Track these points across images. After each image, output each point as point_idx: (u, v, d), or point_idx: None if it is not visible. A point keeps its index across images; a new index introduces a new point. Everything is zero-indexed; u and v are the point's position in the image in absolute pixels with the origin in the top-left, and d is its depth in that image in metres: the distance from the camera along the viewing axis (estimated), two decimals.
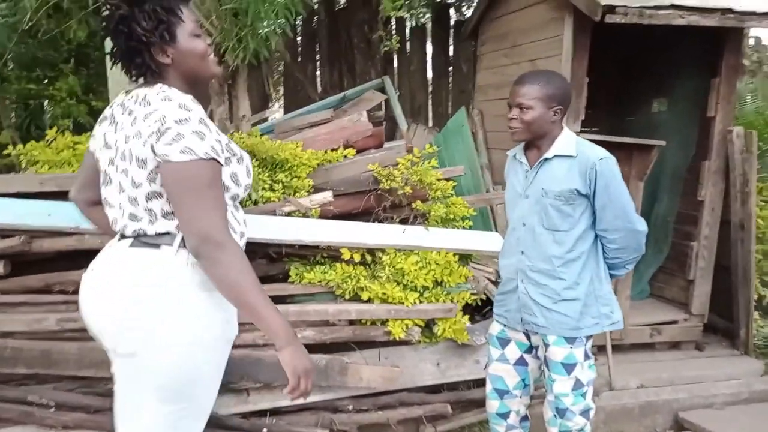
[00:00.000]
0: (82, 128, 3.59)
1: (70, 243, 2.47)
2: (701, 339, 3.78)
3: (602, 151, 2.01)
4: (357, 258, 2.71)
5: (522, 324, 2.12)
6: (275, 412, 2.61)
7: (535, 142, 2.06)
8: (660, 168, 3.86)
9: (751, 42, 5.87)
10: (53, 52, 3.88)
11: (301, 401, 1.55)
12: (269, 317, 1.39)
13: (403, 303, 2.64)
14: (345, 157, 3.10)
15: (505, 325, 2.19)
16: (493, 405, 2.23)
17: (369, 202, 3.08)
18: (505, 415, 2.22)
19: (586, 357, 2.08)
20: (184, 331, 1.45)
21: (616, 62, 4.37)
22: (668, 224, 4.03)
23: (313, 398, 2.63)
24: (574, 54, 3.31)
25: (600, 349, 3.31)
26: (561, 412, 2.08)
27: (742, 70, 4.68)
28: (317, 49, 5.81)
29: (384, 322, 2.67)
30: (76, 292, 2.45)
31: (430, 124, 5.51)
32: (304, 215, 2.79)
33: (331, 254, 2.79)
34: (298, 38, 5.88)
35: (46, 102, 4.23)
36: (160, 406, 1.49)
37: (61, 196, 2.56)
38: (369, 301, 2.65)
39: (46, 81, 3.97)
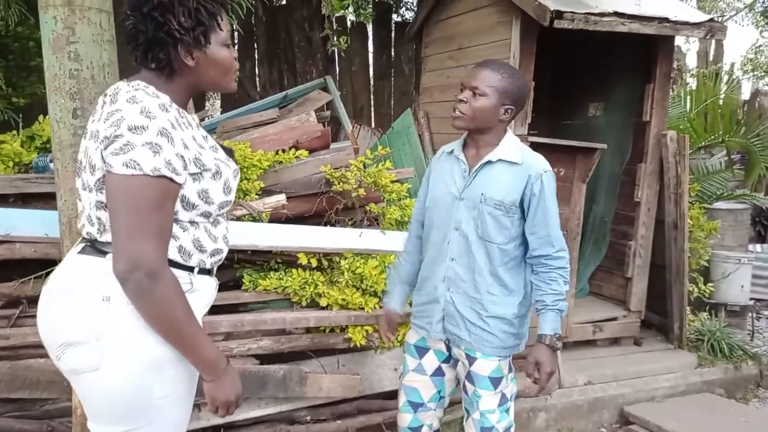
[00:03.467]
0: (4, 126, 3.27)
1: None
2: (639, 334, 3.94)
3: (546, 163, 1.90)
4: (314, 263, 2.62)
5: (444, 333, 1.97)
6: (229, 426, 2.48)
7: (475, 137, 1.90)
8: (597, 171, 3.99)
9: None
10: None
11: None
12: (197, 351, 1.34)
13: (363, 309, 2.57)
14: (297, 158, 3.00)
15: (424, 337, 2.04)
16: (405, 419, 2.06)
17: (321, 205, 3.00)
18: (416, 429, 2.06)
19: (510, 370, 1.99)
20: (126, 349, 1.31)
21: (552, 67, 4.49)
22: (606, 224, 4.18)
23: (268, 410, 2.53)
24: (521, 58, 3.36)
25: None
26: (486, 431, 1.94)
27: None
28: (255, 47, 5.62)
29: (344, 329, 2.60)
30: (6, 306, 2.24)
31: (373, 125, 5.47)
32: (255, 219, 2.67)
33: (285, 260, 2.69)
34: (235, 34, 5.68)
35: None
36: (108, 429, 1.37)
37: None
38: (328, 307, 2.57)
39: None
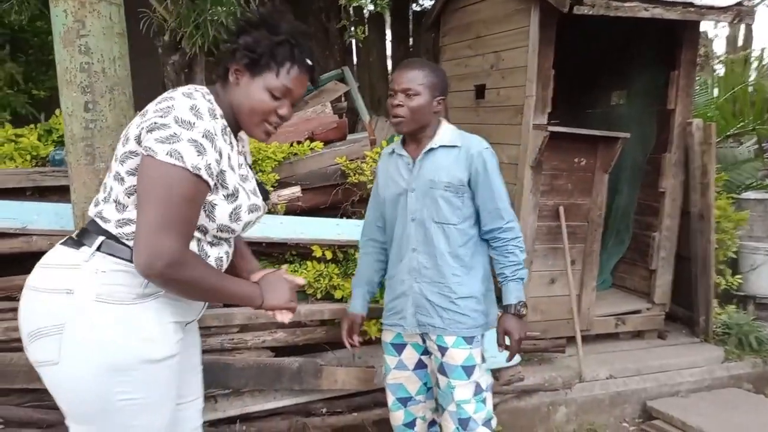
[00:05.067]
0: (24, 120, 3.32)
1: (16, 245, 2.27)
2: (663, 328, 3.85)
3: (484, 142, 1.98)
4: (328, 255, 2.61)
5: (418, 326, 2.00)
6: (245, 418, 2.48)
7: (416, 134, 1.97)
8: (621, 160, 3.89)
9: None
10: None
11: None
12: (235, 299, 1.45)
13: (378, 301, 2.54)
14: (312, 150, 2.98)
15: (399, 333, 2.06)
16: (398, 417, 2.09)
17: (336, 197, 2.99)
18: (411, 424, 2.09)
19: (483, 360, 2.01)
20: (85, 346, 1.29)
21: (574, 55, 4.39)
22: (629, 215, 4.08)
23: (284, 402, 2.53)
24: (541, 45, 3.29)
25: (569, 341, 3.32)
26: (464, 423, 1.95)
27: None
28: None
29: None
30: None
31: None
32: (271, 211, 2.66)
33: (300, 252, 2.67)
34: None
35: None
36: (78, 427, 1.37)
37: (4, 194, 2.35)
38: (342, 300, 2.55)
39: None
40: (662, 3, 3.17)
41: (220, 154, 1.33)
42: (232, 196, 1.38)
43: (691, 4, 3.24)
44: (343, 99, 4.61)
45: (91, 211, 1.40)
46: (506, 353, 2.02)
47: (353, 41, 5.38)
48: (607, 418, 3.17)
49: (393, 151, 2.07)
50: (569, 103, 4.55)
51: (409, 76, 1.90)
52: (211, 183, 1.31)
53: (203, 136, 1.28)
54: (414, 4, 5.98)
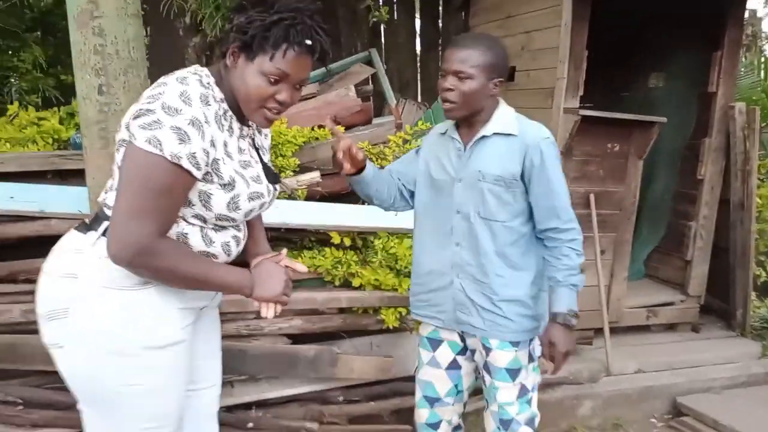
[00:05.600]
0: (50, 103, 3.34)
1: (35, 228, 2.27)
2: (697, 321, 3.71)
3: (546, 130, 1.78)
4: (347, 242, 2.56)
5: (458, 324, 1.86)
6: (261, 404, 2.47)
7: (468, 119, 1.77)
8: (657, 145, 3.73)
9: (745, 15, 5.74)
10: (16, 21, 3.60)
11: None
12: (221, 286, 1.39)
13: (396, 290, 2.49)
14: (333, 134, 2.92)
15: (437, 326, 1.92)
16: (423, 414, 1.96)
17: None
18: (435, 425, 1.95)
19: (530, 359, 1.86)
20: (85, 331, 1.30)
21: (609, 34, 4.20)
22: (665, 203, 3.93)
23: (301, 389, 2.51)
24: (573, 25, 3.14)
25: (597, 333, 3.22)
26: (505, 424, 1.84)
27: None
28: None
29: (376, 310, 2.52)
30: None
31: (419, 99, 5.31)
32: (290, 196, 2.62)
33: (319, 238, 2.63)
34: None
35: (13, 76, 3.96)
36: (87, 409, 1.39)
37: (25, 177, 2.37)
38: (360, 287, 2.50)
39: (10, 52, 3.70)
40: None
41: (213, 143, 1.28)
42: (229, 186, 1.33)
43: None
44: (370, 82, 4.53)
45: (101, 198, 1.39)
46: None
47: (381, 23, 5.26)
48: (634, 413, 3.07)
49: (446, 132, 1.86)
50: (602, 85, 4.37)
51: (461, 55, 1.69)
52: (197, 173, 1.26)
53: (189, 123, 1.22)
54: None
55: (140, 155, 1.20)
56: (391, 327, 2.50)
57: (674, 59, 3.90)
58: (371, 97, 4.13)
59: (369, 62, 4.77)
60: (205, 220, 1.36)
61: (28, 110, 2.68)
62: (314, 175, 2.67)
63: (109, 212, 1.32)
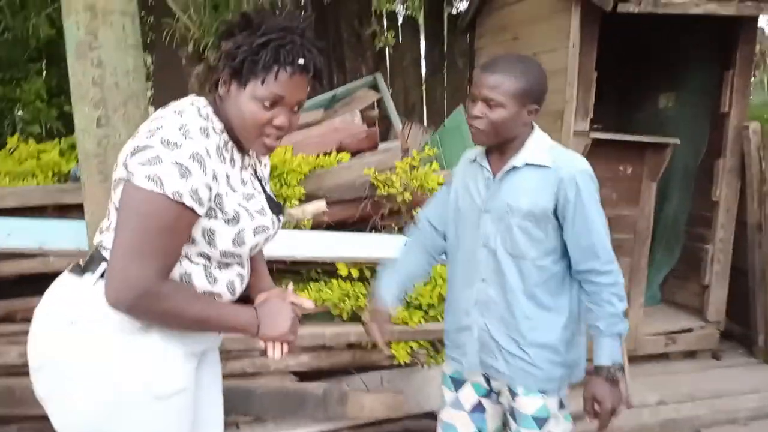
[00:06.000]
0: (53, 134, 3.30)
1: (33, 265, 2.21)
2: (717, 347, 3.59)
3: (583, 162, 1.62)
4: (355, 274, 2.47)
5: (482, 367, 1.71)
6: None
7: (499, 146, 1.64)
8: (669, 166, 3.65)
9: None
10: (20, 52, 3.58)
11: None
12: (228, 327, 1.31)
13: (407, 323, 2.40)
14: (339, 162, 2.86)
15: (458, 370, 1.78)
16: None
17: (365, 210, 2.85)
18: None
19: (561, 406, 1.70)
20: (85, 385, 1.21)
21: (617, 54, 4.15)
22: (679, 225, 3.83)
23: (309, 429, 2.40)
24: (582, 47, 3.09)
25: None
26: None
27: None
28: None
29: (386, 344, 2.43)
30: None
31: (425, 123, 5.27)
32: (296, 226, 2.55)
33: (326, 269, 2.55)
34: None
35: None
36: None
37: (23, 212, 2.31)
38: None
39: (14, 83, 3.67)
40: None
41: (215, 177, 1.21)
42: (233, 220, 1.26)
43: None
44: (375, 106, 4.49)
45: (96, 239, 1.31)
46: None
47: (386, 47, 5.24)
48: None
49: (474, 159, 1.72)
50: (611, 107, 4.32)
51: (491, 81, 1.54)
52: (199, 209, 1.18)
53: (190, 158, 1.15)
54: (448, 7, 5.82)
55: (140, 194, 1.13)
56: (402, 363, 2.40)
57: (684, 78, 3.84)
58: (376, 122, 4.08)
59: (374, 86, 4.74)
60: (209, 258, 1.28)
61: (28, 142, 2.63)
62: (320, 205, 2.60)
63: (106, 253, 1.24)
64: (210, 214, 1.22)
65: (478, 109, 1.57)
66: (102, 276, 1.22)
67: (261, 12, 1.26)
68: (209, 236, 1.24)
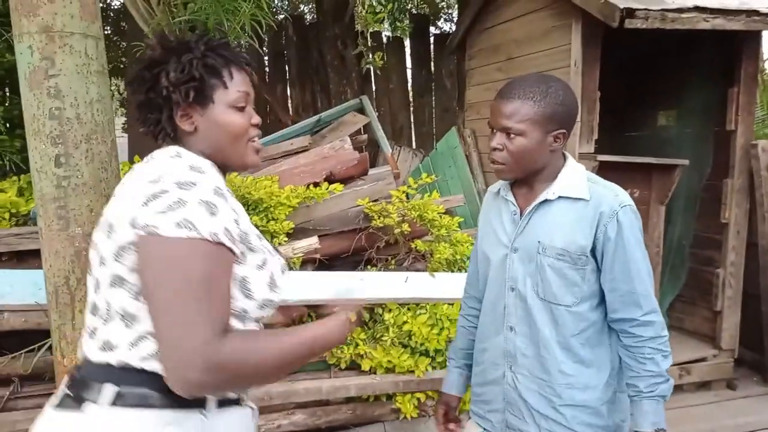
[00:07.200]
0: (17, 169, 3.02)
1: None
2: (732, 376, 3.40)
3: (625, 195, 1.43)
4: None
5: (507, 429, 1.51)
6: None
7: (527, 179, 1.47)
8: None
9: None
10: None
11: None
12: (315, 351, 1.10)
13: (413, 372, 2.16)
14: (330, 192, 2.64)
15: (486, 429, 1.57)
16: None
17: (360, 243, 2.63)
18: None
19: None
20: None
21: (614, 72, 4.01)
22: (684, 248, 3.66)
23: None
24: (584, 66, 2.93)
25: None
26: None
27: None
28: (286, 69, 5.33)
29: (390, 397, 2.18)
30: None
31: (414, 145, 5.08)
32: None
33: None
34: (265, 57, 5.42)
35: None
36: None
37: None
38: (371, 371, 2.17)
39: None
40: (724, 12, 2.80)
41: (235, 212, 1.02)
42: (263, 264, 1.06)
43: (756, 12, 2.86)
44: (362, 130, 4.29)
45: (90, 350, 1.01)
46: None
47: (371, 68, 5.06)
48: None
49: (499, 192, 1.56)
50: (608, 126, 4.16)
51: (508, 109, 1.37)
52: (236, 249, 0.98)
53: (213, 193, 0.97)
54: (434, 28, 5.68)
55: (170, 245, 0.92)
56: (409, 417, 2.16)
57: (685, 96, 3.70)
58: (364, 147, 3.88)
59: (360, 110, 4.55)
60: (244, 316, 1.04)
61: None
62: (311, 242, 2.37)
63: (111, 358, 0.98)
64: (240, 259, 1.01)
65: (497, 140, 1.39)
66: (116, 401, 0.95)
67: (160, 34, 1.12)
68: (244, 286, 1.02)
